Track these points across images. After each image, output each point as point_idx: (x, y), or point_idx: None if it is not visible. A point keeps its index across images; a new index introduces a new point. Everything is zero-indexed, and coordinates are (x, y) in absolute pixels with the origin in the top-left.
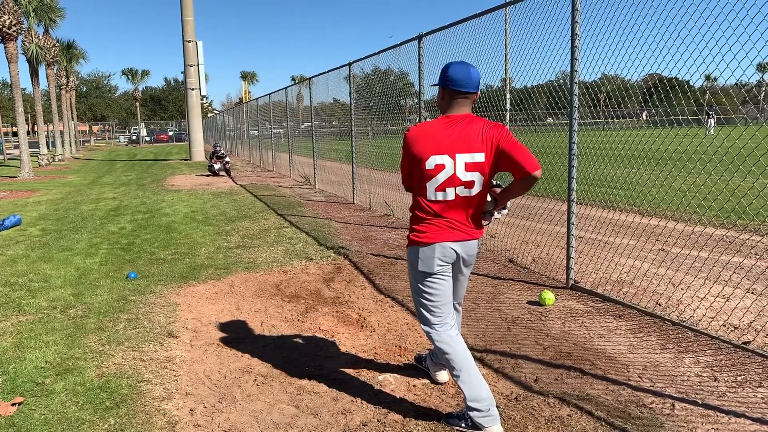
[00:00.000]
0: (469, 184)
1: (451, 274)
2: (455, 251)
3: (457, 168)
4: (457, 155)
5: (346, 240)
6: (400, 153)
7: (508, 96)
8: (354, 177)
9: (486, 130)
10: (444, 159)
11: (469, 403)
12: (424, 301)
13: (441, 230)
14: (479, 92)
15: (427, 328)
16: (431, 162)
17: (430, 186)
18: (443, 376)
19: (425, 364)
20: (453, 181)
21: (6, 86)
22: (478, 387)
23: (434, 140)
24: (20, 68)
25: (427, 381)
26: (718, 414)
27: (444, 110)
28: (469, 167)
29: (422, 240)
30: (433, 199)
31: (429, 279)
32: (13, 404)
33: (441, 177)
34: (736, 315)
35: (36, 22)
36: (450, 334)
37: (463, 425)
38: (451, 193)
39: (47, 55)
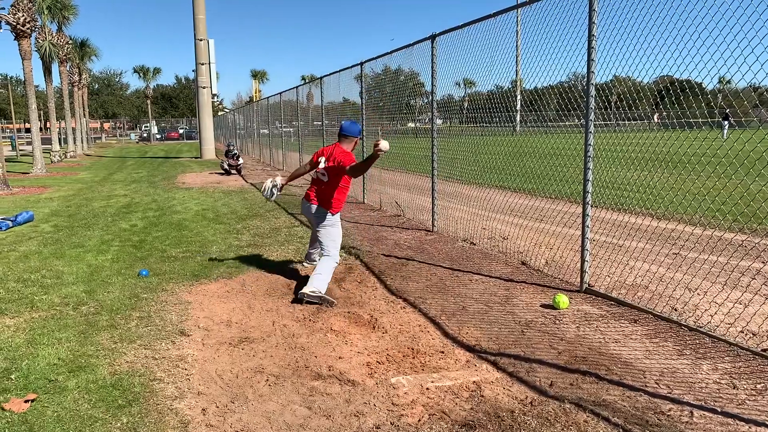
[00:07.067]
0: (323, 174)
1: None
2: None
3: (320, 165)
4: (321, 158)
5: (357, 240)
6: (410, 152)
7: (519, 97)
8: (364, 176)
9: (334, 150)
10: (321, 159)
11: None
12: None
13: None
14: (360, 138)
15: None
16: (321, 161)
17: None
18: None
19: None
20: (319, 171)
21: (19, 83)
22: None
23: (323, 153)
24: (33, 65)
25: (441, 384)
26: (738, 422)
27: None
28: (325, 165)
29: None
30: (314, 177)
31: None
32: (26, 401)
33: (318, 166)
34: (755, 322)
35: (49, 20)
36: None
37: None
38: (317, 176)
39: (60, 53)
